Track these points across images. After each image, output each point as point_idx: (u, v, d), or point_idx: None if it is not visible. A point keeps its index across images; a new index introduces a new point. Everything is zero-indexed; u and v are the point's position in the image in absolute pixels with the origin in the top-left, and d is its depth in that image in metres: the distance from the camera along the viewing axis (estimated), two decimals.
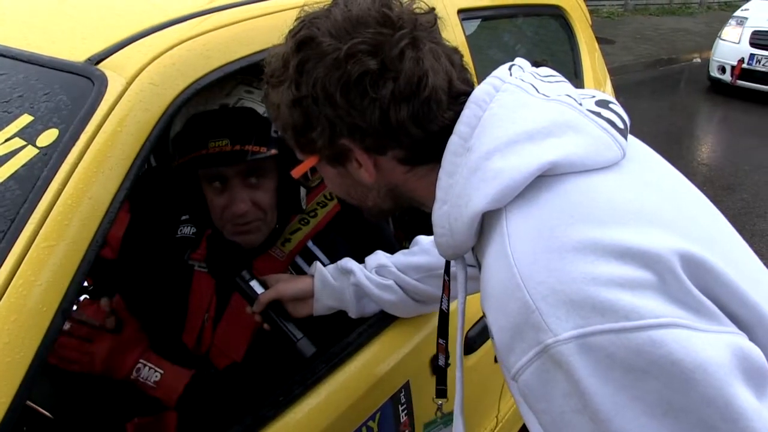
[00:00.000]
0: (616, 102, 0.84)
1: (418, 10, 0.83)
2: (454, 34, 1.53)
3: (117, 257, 1.52)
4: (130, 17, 1.10)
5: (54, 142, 0.86)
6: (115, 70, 0.92)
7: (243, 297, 1.25)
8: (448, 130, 0.80)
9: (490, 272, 0.74)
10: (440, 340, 1.07)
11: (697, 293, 0.67)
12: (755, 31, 7.56)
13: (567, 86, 0.85)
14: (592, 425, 0.66)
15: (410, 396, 1.31)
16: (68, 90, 0.92)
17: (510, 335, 0.70)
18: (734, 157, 5.86)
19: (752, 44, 7.52)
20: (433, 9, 0.86)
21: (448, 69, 0.81)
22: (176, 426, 1.25)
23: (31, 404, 1.11)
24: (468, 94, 0.82)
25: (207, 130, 1.21)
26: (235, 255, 1.33)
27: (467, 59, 0.89)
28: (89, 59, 0.94)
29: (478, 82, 0.83)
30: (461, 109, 0.79)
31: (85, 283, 1.49)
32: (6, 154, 0.86)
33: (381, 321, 1.30)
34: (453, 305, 1.07)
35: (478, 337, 1.49)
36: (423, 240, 1.29)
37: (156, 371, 1.22)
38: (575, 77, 2.39)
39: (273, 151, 1.22)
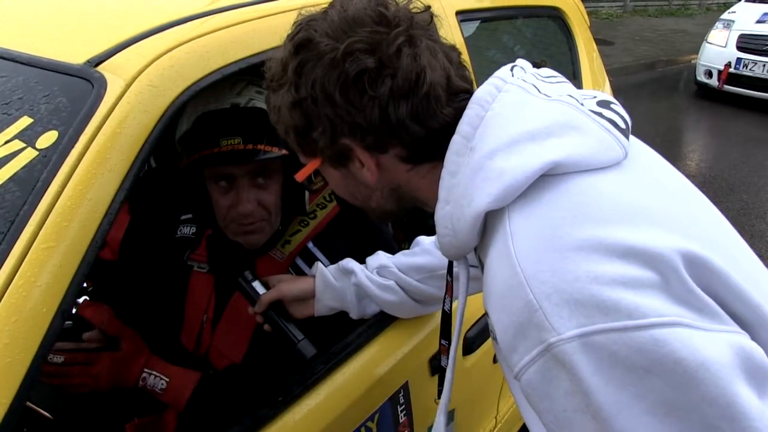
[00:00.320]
0: (617, 102, 0.84)
1: (414, 9, 0.84)
2: (452, 35, 1.54)
3: (117, 258, 1.53)
4: (129, 19, 1.10)
5: (53, 144, 0.86)
6: (114, 72, 0.92)
7: (245, 297, 1.25)
8: (448, 128, 0.80)
9: (493, 271, 0.74)
10: (443, 341, 1.07)
11: (699, 292, 0.67)
12: (742, 34, 7.38)
13: (568, 87, 0.85)
14: (595, 424, 0.66)
15: (409, 396, 1.31)
16: (68, 92, 0.92)
17: (513, 334, 0.70)
18: (733, 157, 5.86)
19: (739, 48, 7.34)
20: (429, 7, 0.86)
21: (446, 66, 0.81)
22: (175, 426, 1.25)
23: (31, 405, 1.11)
24: (467, 91, 0.82)
25: (219, 128, 1.22)
26: (238, 255, 1.34)
27: (465, 60, 0.89)
28: (88, 61, 0.94)
29: (477, 84, 0.83)
30: (461, 107, 0.80)
31: (84, 285, 1.50)
32: (6, 156, 0.86)
33: (380, 322, 1.30)
34: (455, 305, 1.08)
35: (477, 337, 1.49)
36: (424, 240, 1.29)
37: (162, 379, 1.23)
38: (574, 78, 2.39)
39: (284, 151, 1.23)
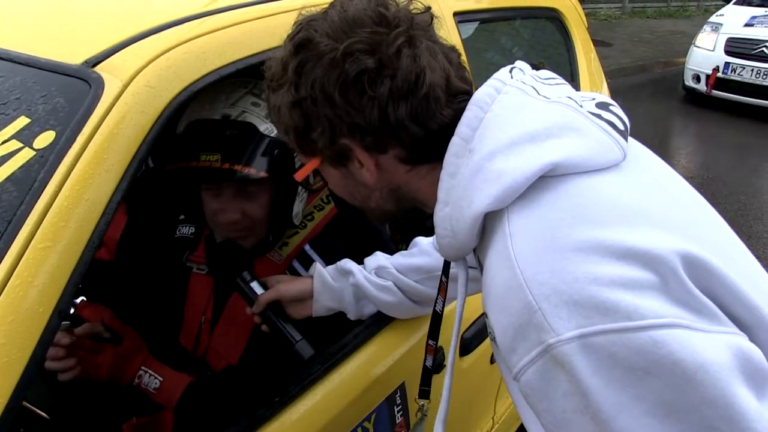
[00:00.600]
0: (615, 104, 0.84)
1: (414, 10, 0.84)
2: (450, 37, 1.54)
3: (114, 259, 1.53)
4: (127, 20, 1.10)
5: (51, 144, 0.86)
6: (111, 73, 0.92)
7: (243, 297, 1.25)
8: (448, 129, 0.80)
9: (492, 273, 0.74)
10: (430, 342, 1.07)
11: (698, 294, 0.67)
12: (730, 38, 7.14)
13: (567, 88, 0.85)
14: (594, 425, 0.66)
15: (406, 397, 1.32)
16: (65, 92, 0.92)
17: (512, 335, 0.70)
18: (732, 158, 5.87)
19: (727, 52, 7.10)
20: (429, 8, 0.86)
21: (446, 66, 0.81)
22: (172, 427, 1.25)
23: (28, 405, 1.11)
24: (466, 92, 0.82)
25: (202, 141, 1.19)
26: (236, 256, 1.34)
27: (464, 61, 0.90)
28: (86, 62, 0.94)
29: (475, 85, 0.83)
30: (460, 108, 0.80)
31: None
32: (3, 156, 0.86)
33: (377, 322, 1.30)
34: (447, 307, 1.08)
35: (474, 338, 1.50)
36: (422, 241, 1.29)
37: (156, 378, 1.24)
38: (571, 80, 2.40)
39: (262, 174, 1.19)
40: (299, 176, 0.91)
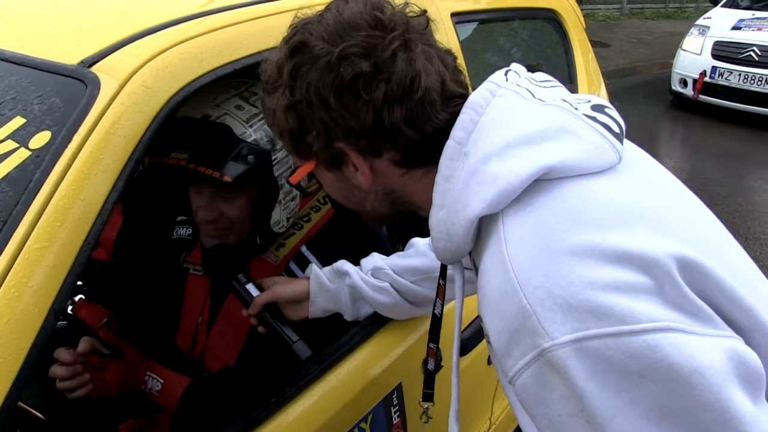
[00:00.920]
0: (611, 106, 0.84)
1: (410, 13, 0.84)
2: (447, 37, 1.54)
3: (110, 259, 1.53)
4: (123, 20, 1.10)
5: (47, 144, 0.86)
6: (107, 73, 0.92)
7: (239, 300, 1.25)
8: (443, 132, 0.80)
9: (487, 276, 0.74)
10: (431, 344, 1.07)
11: (694, 297, 0.67)
12: (717, 41, 6.89)
13: (563, 91, 0.85)
14: (589, 429, 0.66)
15: (402, 398, 1.31)
16: (61, 92, 0.92)
17: (507, 339, 0.70)
18: (731, 158, 5.87)
19: (714, 56, 6.85)
20: (425, 11, 0.86)
21: (441, 70, 0.81)
22: (169, 428, 1.25)
23: (24, 406, 1.11)
24: (462, 96, 0.82)
25: (175, 138, 1.17)
26: (232, 257, 1.33)
27: (461, 63, 0.89)
28: (82, 62, 0.94)
29: (473, 86, 0.83)
30: (455, 111, 0.80)
31: (79, 282, 1.49)
32: None
33: (374, 323, 1.30)
34: (445, 309, 1.08)
35: (471, 338, 1.49)
36: (419, 242, 1.29)
37: (158, 381, 1.25)
38: (569, 81, 2.40)
39: (226, 178, 1.14)
40: (294, 179, 0.91)
